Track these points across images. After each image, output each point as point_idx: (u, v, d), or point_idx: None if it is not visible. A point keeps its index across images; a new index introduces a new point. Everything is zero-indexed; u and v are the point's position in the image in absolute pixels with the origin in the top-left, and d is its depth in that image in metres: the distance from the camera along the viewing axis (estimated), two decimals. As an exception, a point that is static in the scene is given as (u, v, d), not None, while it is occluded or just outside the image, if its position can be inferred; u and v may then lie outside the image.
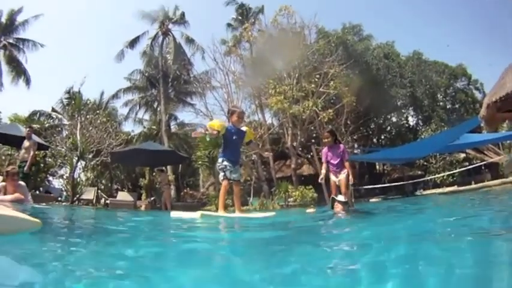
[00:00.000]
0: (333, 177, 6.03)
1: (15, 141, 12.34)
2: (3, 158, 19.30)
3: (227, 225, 4.39)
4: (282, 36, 19.34)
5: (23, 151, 9.49)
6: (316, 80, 17.99)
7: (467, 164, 22.98)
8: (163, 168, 16.33)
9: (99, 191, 18.45)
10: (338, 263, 1.95)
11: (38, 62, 47.15)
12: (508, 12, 34.36)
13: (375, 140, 26.92)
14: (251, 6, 25.40)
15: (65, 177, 18.34)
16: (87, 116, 18.05)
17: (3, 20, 24.96)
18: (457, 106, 26.60)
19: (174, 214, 5.35)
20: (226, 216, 5.00)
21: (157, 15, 27.32)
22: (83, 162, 17.53)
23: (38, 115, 25.47)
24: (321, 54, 20.31)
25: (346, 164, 5.96)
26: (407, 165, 23.90)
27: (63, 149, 16.51)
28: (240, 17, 25.27)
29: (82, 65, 45.46)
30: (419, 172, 24.15)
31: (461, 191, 14.77)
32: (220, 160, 5.17)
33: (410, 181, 22.51)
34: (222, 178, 5.13)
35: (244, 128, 5.45)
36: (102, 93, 27.42)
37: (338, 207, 5.47)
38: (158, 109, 27.87)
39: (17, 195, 5.85)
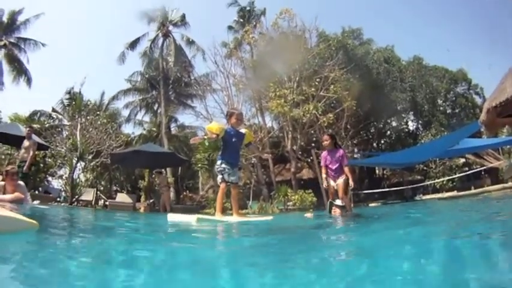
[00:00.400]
0: (331, 182, 6.04)
1: (15, 141, 12.34)
2: (3, 157, 19.32)
3: (222, 230, 4.35)
4: (282, 40, 19.37)
5: (22, 151, 9.50)
6: (317, 83, 18.03)
7: (466, 169, 22.98)
8: (162, 170, 16.31)
9: (98, 192, 18.43)
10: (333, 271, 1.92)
11: (40, 61, 47.24)
12: (508, 12, 34.42)
13: (374, 144, 26.91)
14: (253, 9, 25.49)
15: (64, 177, 18.36)
16: (88, 117, 18.07)
17: (5, 19, 25.04)
18: (457, 111, 26.62)
19: (171, 217, 5.29)
20: (223, 221, 4.95)
21: (158, 17, 27.38)
22: (83, 163, 17.53)
23: (38, 115, 25.52)
24: (322, 58, 20.36)
25: (346, 169, 5.96)
26: (407, 170, 23.88)
27: (63, 150, 16.51)
28: (241, 20, 25.34)
29: (84, 66, 45.71)
30: (419, 177, 24.14)
31: (460, 196, 14.73)
32: (218, 162, 5.14)
33: (409, 186, 22.49)
34: (220, 181, 5.10)
35: (243, 130, 5.44)
36: (102, 94, 27.55)
37: (336, 212, 5.48)
38: (158, 111, 27.91)
39: (16, 194, 5.86)
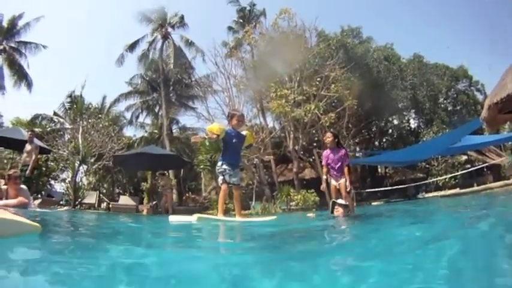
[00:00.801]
0: (333, 181, 6.00)
1: (17, 145, 12.35)
2: (5, 161, 19.39)
3: (222, 231, 4.33)
4: (283, 39, 19.36)
5: (24, 155, 9.51)
6: (317, 83, 18.04)
7: (469, 166, 22.94)
8: (165, 172, 16.34)
9: (101, 195, 18.48)
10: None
11: (41, 64, 47.44)
12: (508, 12, 34.31)
13: (376, 142, 26.92)
14: (253, 9, 25.50)
15: (67, 181, 18.42)
16: (89, 120, 18.12)
17: (5, 24, 25.13)
18: (458, 108, 26.59)
19: (173, 218, 5.30)
20: (224, 220, 4.96)
21: (157, 19, 27.37)
22: (85, 166, 17.58)
23: (40, 119, 25.62)
24: (322, 58, 20.38)
25: (345, 170, 5.92)
26: (409, 168, 23.85)
27: (65, 153, 16.57)
28: (241, 20, 25.34)
29: (85, 68, 45.73)
30: (421, 175, 24.09)
31: (463, 193, 14.69)
32: (219, 164, 5.15)
33: (412, 184, 22.45)
34: (221, 182, 5.10)
35: (244, 132, 5.44)
36: (104, 98, 27.62)
37: (338, 211, 5.44)
38: (160, 113, 27.96)
39: (20, 199, 5.87)
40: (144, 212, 14.10)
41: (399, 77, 23.86)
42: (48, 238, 2.80)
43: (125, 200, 16.13)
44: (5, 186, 6.12)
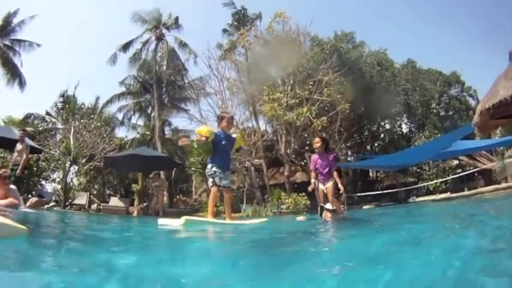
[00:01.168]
0: (320, 186, 6.09)
1: (8, 144, 12.28)
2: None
3: (208, 233, 4.38)
4: (277, 43, 19.44)
5: (15, 154, 9.49)
6: (310, 87, 18.14)
7: (460, 170, 23.15)
8: (160, 172, 16.31)
9: (92, 196, 18.38)
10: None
11: (35, 63, 47.05)
12: (508, 12, 34.60)
13: (368, 147, 27.08)
14: (247, 12, 25.55)
15: (56, 181, 18.31)
16: (81, 121, 18.03)
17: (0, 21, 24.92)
18: (450, 113, 26.91)
19: (162, 222, 5.32)
20: (213, 222, 4.98)
21: (151, 19, 27.29)
22: (76, 167, 17.50)
23: (32, 118, 25.40)
24: (315, 62, 20.48)
25: (335, 173, 6.01)
26: (400, 172, 24.03)
27: (56, 153, 16.47)
28: (236, 23, 25.37)
29: (78, 69, 45.41)
30: (412, 179, 24.28)
31: (454, 197, 14.85)
32: (209, 166, 5.19)
33: (403, 188, 22.63)
34: (211, 184, 5.15)
35: (234, 135, 5.50)
36: (97, 98, 27.46)
37: (327, 216, 5.56)
38: (152, 114, 27.78)
39: (11, 200, 5.84)
40: (135, 214, 14.04)
41: (392, 82, 24.09)
42: (32, 242, 2.76)
43: (115, 201, 16.03)
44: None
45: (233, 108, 19.15)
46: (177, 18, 27.56)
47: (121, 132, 28.49)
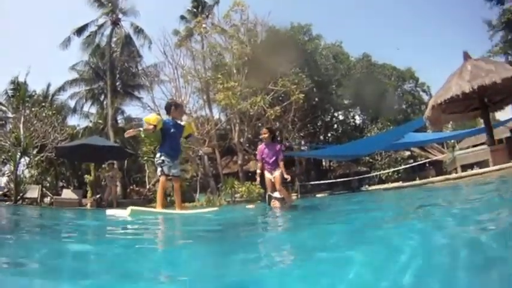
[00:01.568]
0: (268, 175, 6.13)
1: None
2: None
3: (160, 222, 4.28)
4: (234, 32, 19.33)
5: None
6: (265, 77, 18.16)
7: (412, 161, 24.23)
8: (114, 162, 15.86)
9: (44, 189, 17.62)
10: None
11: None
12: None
13: (321, 137, 27.71)
14: (207, 0, 25.17)
15: (7, 174, 17.38)
16: (32, 109, 17.16)
17: None
18: (404, 107, 27.94)
19: (109, 212, 5.28)
20: (161, 212, 4.86)
21: (108, 2, 26.14)
22: (27, 158, 16.66)
23: (-20, 107, 23.82)
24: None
25: (281, 163, 6.07)
26: (353, 161, 24.79)
27: (6, 144, 15.50)
28: (194, 10, 24.95)
29: (31, 52, 42.99)
30: (365, 169, 25.12)
31: (405, 186, 15.43)
32: (158, 155, 5.06)
33: (356, 177, 23.34)
34: (159, 174, 5.02)
35: (183, 122, 5.40)
36: (48, 85, 26.08)
37: (275, 204, 5.66)
38: (105, 102, 26.78)
39: None
40: (88, 206, 13.61)
41: (346, 75, 24.62)
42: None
43: (68, 193, 15.47)
44: None
45: (187, 96, 18.93)
46: (134, 3, 26.62)
47: (73, 121, 27.35)
